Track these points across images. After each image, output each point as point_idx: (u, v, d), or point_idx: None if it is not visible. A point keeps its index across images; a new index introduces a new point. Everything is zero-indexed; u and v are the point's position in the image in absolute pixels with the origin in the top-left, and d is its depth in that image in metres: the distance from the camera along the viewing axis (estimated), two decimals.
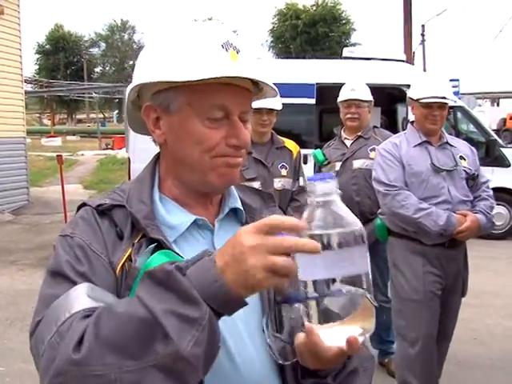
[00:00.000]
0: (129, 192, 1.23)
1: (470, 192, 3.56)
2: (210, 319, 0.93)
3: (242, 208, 1.31)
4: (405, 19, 19.25)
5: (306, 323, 1.02)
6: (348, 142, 4.59)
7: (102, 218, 1.19)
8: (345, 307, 0.97)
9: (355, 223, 0.97)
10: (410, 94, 3.69)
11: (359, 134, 4.54)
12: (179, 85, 1.14)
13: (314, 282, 0.97)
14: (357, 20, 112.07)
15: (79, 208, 1.24)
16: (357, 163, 4.47)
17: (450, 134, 3.98)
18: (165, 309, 0.92)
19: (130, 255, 1.13)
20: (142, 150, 9.91)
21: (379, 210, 3.84)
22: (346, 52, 11.13)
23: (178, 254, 1.12)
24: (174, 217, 1.22)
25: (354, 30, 46.39)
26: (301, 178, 4.29)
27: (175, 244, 1.18)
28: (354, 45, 41.07)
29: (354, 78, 4.89)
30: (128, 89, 1.24)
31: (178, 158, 1.22)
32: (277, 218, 0.94)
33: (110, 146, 34.18)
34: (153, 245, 1.13)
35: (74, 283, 1.07)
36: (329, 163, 4.60)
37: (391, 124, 11.02)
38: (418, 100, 3.56)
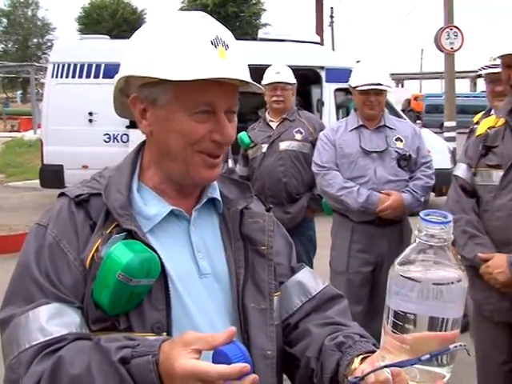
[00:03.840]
0: (109, 180, 1.25)
1: (403, 171, 3.76)
2: None
3: (219, 199, 1.35)
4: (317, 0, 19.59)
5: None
6: (273, 124, 4.66)
7: (78, 209, 1.21)
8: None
9: (456, 276, 0.94)
10: (349, 82, 3.92)
11: (284, 116, 4.62)
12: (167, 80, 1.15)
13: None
14: (267, 0, 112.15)
15: (59, 196, 1.26)
16: (283, 145, 4.55)
17: None
18: None
19: (98, 246, 1.15)
20: (54, 131, 9.75)
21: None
22: (261, 34, 11.23)
23: (146, 244, 1.15)
24: (151, 207, 1.25)
25: (264, 10, 46.31)
26: (229, 161, 4.34)
27: (151, 233, 1.22)
28: (264, 25, 41.00)
29: (273, 61, 4.98)
30: (116, 77, 1.26)
31: (162, 149, 1.25)
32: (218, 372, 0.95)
33: (15, 128, 32.81)
34: (120, 234, 1.16)
35: (37, 283, 1.13)
36: (255, 145, 4.66)
37: (306, 105, 11.22)
38: (355, 88, 3.80)
